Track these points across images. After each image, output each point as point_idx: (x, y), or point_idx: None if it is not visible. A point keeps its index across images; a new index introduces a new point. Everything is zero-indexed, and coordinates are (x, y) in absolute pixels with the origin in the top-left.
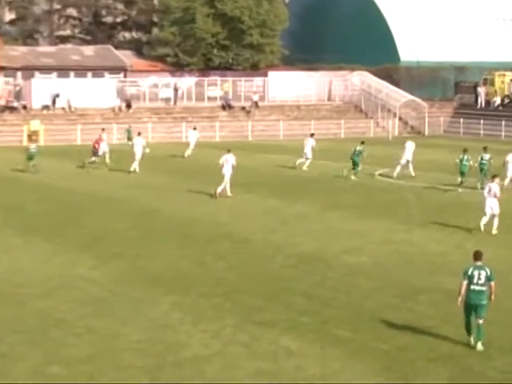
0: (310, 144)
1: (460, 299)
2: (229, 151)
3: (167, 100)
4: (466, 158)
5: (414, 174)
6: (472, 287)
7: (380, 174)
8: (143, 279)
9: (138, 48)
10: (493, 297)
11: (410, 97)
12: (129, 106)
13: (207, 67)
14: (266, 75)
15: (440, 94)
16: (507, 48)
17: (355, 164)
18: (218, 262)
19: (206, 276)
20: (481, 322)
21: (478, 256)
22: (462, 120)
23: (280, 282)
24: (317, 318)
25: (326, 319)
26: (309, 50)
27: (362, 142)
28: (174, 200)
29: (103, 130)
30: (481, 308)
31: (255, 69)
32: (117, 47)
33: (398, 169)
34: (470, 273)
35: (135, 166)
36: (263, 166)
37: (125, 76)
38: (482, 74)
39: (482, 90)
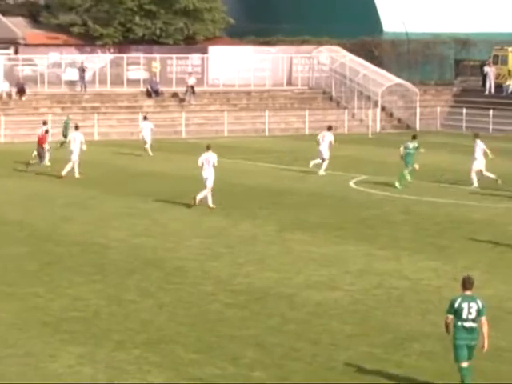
0: (327, 140)
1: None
2: (208, 148)
3: (73, 84)
4: None
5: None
6: (460, 324)
7: (357, 183)
8: (41, 323)
9: (33, 14)
10: (486, 342)
11: (396, 80)
12: (21, 91)
13: (127, 41)
14: (205, 51)
15: (436, 76)
16: None
17: (407, 165)
18: (143, 299)
19: (125, 319)
20: (466, 364)
21: (467, 284)
22: (464, 111)
23: (224, 326)
24: (274, 373)
25: (286, 375)
26: (262, 17)
27: (414, 137)
28: (85, 217)
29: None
30: (470, 350)
31: (191, 43)
32: (4, 13)
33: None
34: (457, 306)
35: (68, 168)
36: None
37: (16, 52)
38: (491, 49)
39: (490, 71)
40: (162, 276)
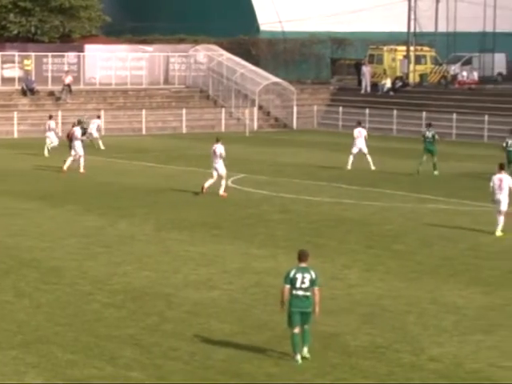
0: (363, 135)
1: (282, 306)
2: (218, 140)
3: None
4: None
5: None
6: (295, 292)
7: (235, 182)
8: None
9: None
10: (317, 308)
11: (273, 79)
12: None
13: (1, 38)
14: (81, 49)
15: (313, 75)
16: (398, 14)
17: (432, 153)
18: (19, 299)
19: (1, 319)
20: (307, 327)
21: (302, 256)
22: (341, 109)
23: (102, 326)
24: (152, 373)
25: (164, 375)
26: (138, 16)
27: (429, 124)
28: None
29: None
30: (306, 316)
31: (67, 41)
32: None
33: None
34: (292, 275)
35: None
36: (77, 172)
37: None
38: (367, 48)
39: (366, 70)
40: (39, 276)
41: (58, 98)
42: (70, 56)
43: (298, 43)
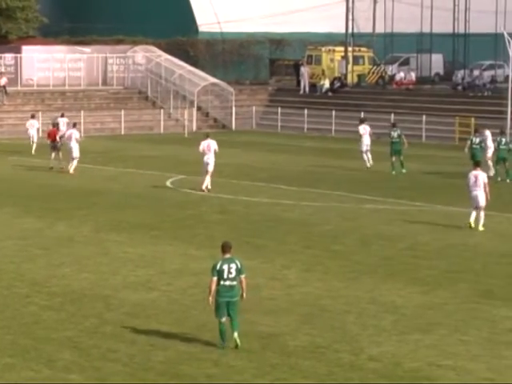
0: (368, 131)
1: (211, 298)
2: (207, 136)
3: None
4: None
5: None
6: (222, 283)
7: (174, 183)
8: None
9: None
10: (245, 294)
11: (211, 80)
12: None
13: None
14: (18, 51)
15: (251, 75)
16: (336, 15)
17: (399, 153)
18: None
19: None
20: (235, 316)
21: (226, 248)
22: (279, 110)
23: (40, 329)
24: (91, 375)
25: (103, 377)
26: (76, 17)
27: (394, 125)
28: None
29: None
30: (233, 305)
31: (4, 42)
32: None
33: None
34: (218, 267)
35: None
36: (15, 174)
37: None
38: (305, 49)
39: (305, 71)
40: None
41: None
42: (7, 57)
43: (237, 44)
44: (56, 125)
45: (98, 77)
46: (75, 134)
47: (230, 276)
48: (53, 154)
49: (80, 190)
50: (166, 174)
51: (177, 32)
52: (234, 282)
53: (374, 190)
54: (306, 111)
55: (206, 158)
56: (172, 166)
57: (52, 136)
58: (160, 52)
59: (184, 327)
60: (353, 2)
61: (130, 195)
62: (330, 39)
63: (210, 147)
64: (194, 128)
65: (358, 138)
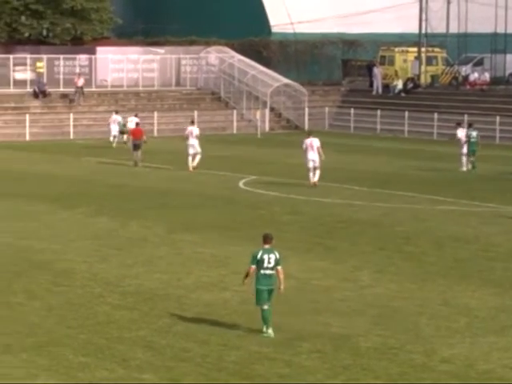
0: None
1: (246, 281)
2: (310, 134)
3: None
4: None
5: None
6: (262, 272)
7: (246, 183)
8: None
9: None
10: (282, 286)
11: (284, 80)
12: None
13: (12, 41)
14: (93, 52)
15: (324, 76)
16: (409, 15)
17: (474, 153)
18: (30, 302)
19: (13, 322)
20: (269, 307)
21: (267, 239)
22: (352, 111)
23: (113, 328)
24: (164, 375)
25: (176, 377)
26: (150, 18)
27: (470, 125)
28: None
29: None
30: (270, 293)
31: (79, 43)
32: None
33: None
34: (259, 257)
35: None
36: (89, 174)
37: None
38: (378, 49)
39: (378, 72)
40: (50, 278)
41: (72, 101)
42: (82, 58)
43: (310, 45)
44: (138, 124)
45: (172, 77)
46: (195, 130)
47: (269, 266)
48: (134, 153)
49: (153, 190)
50: (239, 175)
51: (250, 33)
52: (273, 272)
53: (446, 191)
54: (378, 112)
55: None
56: (245, 167)
57: (136, 134)
58: (233, 53)
59: (256, 327)
60: (426, 2)
61: (203, 196)
62: (402, 40)
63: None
64: (267, 129)
65: (457, 141)
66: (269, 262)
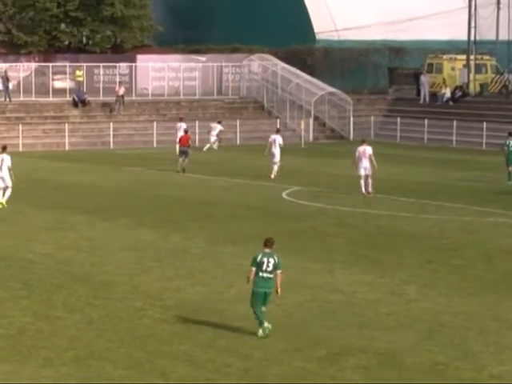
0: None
1: (248, 286)
2: (363, 141)
3: None
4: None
5: None
6: (261, 274)
7: (290, 194)
8: None
9: None
10: (279, 289)
11: (328, 89)
12: None
13: (52, 49)
14: (133, 60)
15: (369, 85)
16: (458, 22)
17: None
18: (70, 315)
19: (52, 335)
20: (264, 309)
21: (268, 243)
22: (399, 120)
23: (154, 342)
24: None
25: None
26: (191, 25)
27: (510, 134)
28: (10, 232)
29: (181, 119)
30: (267, 296)
31: (119, 51)
32: None
33: None
34: (259, 260)
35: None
36: (129, 184)
37: None
38: (425, 57)
39: (425, 80)
40: (90, 291)
41: (112, 110)
42: (122, 67)
43: (355, 52)
44: (186, 131)
45: (213, 86)
46: (278, 139)
47: (268, 269)
48: (180, 159)
49: (194, 200)
50: (282, 186)
51: (293, 40)
52: (271, 275)
53: (494, 203)
54: (426, 121)
55: (362, 164)
56: (288, 177)
57: (183, 142)
58: (276, 60)
59: (299, 342)
60: (475, 8)
61: (245, 206)
62: (450, 47)
63: (365, 153)
64: (311, 138)
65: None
66: (267, 266)
